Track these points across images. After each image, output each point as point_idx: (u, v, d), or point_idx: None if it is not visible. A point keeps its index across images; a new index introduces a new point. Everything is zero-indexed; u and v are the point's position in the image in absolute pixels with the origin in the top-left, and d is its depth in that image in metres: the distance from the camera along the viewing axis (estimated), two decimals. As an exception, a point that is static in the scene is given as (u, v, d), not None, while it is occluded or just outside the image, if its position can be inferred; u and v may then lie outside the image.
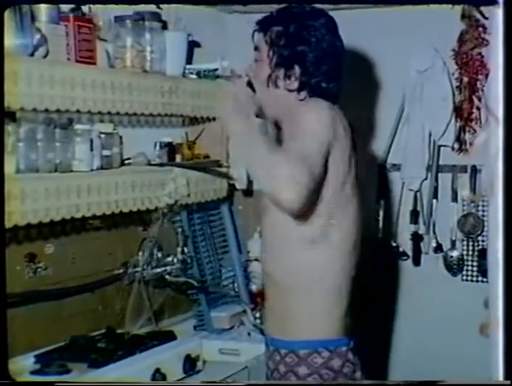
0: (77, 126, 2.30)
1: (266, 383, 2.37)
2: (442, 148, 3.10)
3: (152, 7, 2.57)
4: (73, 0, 2.27)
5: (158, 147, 2.72)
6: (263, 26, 2.03)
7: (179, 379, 2.37)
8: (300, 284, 1.95)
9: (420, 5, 2.80)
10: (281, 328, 1.98)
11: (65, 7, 2.28)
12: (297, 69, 1.97)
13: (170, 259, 2.74)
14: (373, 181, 3.16)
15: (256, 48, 2.03)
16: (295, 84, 1.98)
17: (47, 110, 2.11)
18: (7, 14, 1.97)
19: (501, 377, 1.58)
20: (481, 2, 2.61)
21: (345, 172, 1.94)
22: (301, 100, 1.99)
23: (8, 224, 1.92)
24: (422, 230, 3.15)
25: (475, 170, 3.04)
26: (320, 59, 1.97)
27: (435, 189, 3.12)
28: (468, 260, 3.11)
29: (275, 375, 1.98)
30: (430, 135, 3.07)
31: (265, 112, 2.03)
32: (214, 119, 2.87)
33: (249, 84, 2.04)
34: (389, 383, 2.12)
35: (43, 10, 2.17)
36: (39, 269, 2.36)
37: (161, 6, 2.62)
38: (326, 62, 1.97)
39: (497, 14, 1.61)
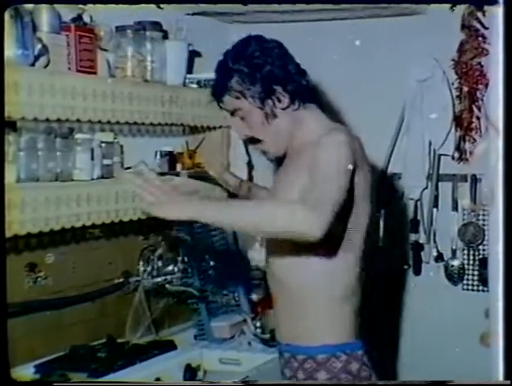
0: (78, 136, 2.30)
1: (266, 383, 2.36)
2: (442, 157, 3.10)
3: (153, 17, 2.58)
4: (73, 0, 2.28)
5: (158, 156, 2.72)
6: (221, 90, 2.04)
7: (179, 389, 2.37)
8: (315, 288, 1.95)
9: (420, 4, 2.82)
10: (296, 334, 1.98)
11: (66, 17, 2.29)
12: (278, 87, 1.98)
13: (170, 268, 2.74)
14: (373, 190, 3.16)
15: (233, 112, 2.03)
16: (286, 100, 1.99)
17: (47, 120, 2.12)
18: (9, 24, 1.98)
19: (501, 377, 1.58)
20: (481, 2, 2.62)
21: (364, 192, 1.97)
22: (296, 109, 2.00)
23: (8, 234, 1.92)
24: (422, 239, 3.15)
25: (475, 180, 3.04)
26: (283, 66, 1.98)
27: (436, 198, 3.12)
28: (468, 270, 3.10)
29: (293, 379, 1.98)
30: (430, 144, 3.07)
31: (272, 154, 2.06)
32: (215, 128, 2.88)
33: (252, 140, 2.05)
34: (395, 384, 2.12)
35: (44, 19, 2.18)
36: (39, 279, 2.36)
37: (161, 8, 2.63)
38: (288, 64, 1.99)
39: (497, 16, 1.61)
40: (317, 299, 1.96)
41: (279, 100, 1.98)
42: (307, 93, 2.02)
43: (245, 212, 1.81)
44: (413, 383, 2.13)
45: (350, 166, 1.87)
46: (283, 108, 1.99)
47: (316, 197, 1.79)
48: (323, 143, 1.88)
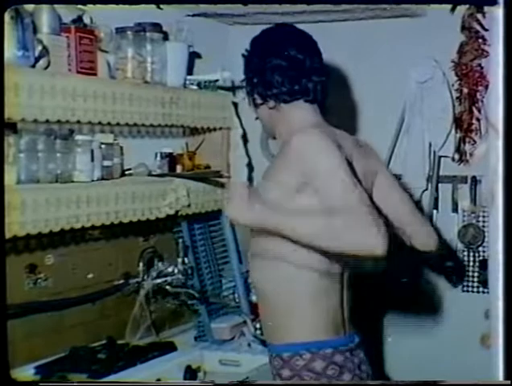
0: (78, 137, 2.30)
1: (265, 383, 2.37)
2: (442, 158, 3.10)
3: (153, 18, 2.58)
4: (73, 0, 2.28)
5: (158, 158, 2.72)
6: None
7: (179, 391, 2.37)
8: (278, 289, 1.99)
9: (420, 4, 2.82)
10: (268, 333, 2.06)
11: (66, 18, 2.29)
12: (255, 86, 2.08)
13: (170, 269, 2.74)
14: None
15: None
16: (259, 98, 2.09)
17: (48, 121, 2.12)
18: (9, 25, 1.98)
19: (501, 377, 1.58)
20: (481, 2, 2.62)
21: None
22: (272, 108, 2.06)
23: (8, 235, 1.92)
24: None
25: (475, 181, 3.04)
26: (269, 69, 2.04)
27: (436, 199, 3.12)
28: (468, 271, 3.10)
29: (271, 376, 2.06)
30: (430, 146, 3.07)
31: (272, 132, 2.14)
32: (215, 129, 2.88)
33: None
34: (389, 384, 2.12)
35: (44, 21, 2.18)
36: (39, 280, 2.36)
37: (161, 9, 2.63)
38: (276, 69, 2.04)
39: (497, 17, 1.61)
40: (281, 300, 2.00)
41: (255, 97, 2.10)
42: (287, 95, 2.05)
43: (310, 225, 1.83)
44: (405, 383, 2.13)
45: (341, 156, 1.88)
46: (260, 104, 2.09)
47: (365, 211, 1.78)
48: (301, 150, 1.89)
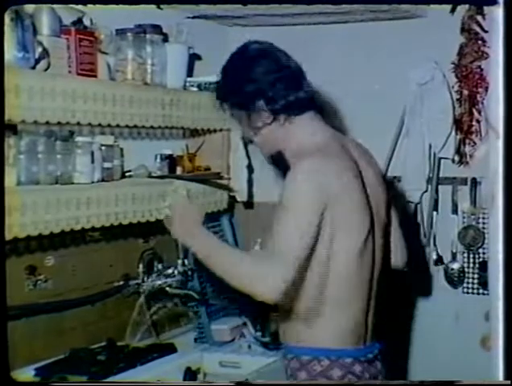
0: (78, 138, 2.30)
1: (265, 383, 2.37)
2: (442, 160, 3.10)
3: (153, 19, 2.58)
4: (73, 0, 2.28)
5: (158, 159, 2.72)
6: (219, 96, 2.13)
7: (179, 392, 2.37)
8: (305, 294, 1.96)
9: (420, 5, 2.82)
10: (289, 334, 2.03)
11: (67, 20, 2.30)
12: (260, 104, 2.00)
13: (170, 271, 2.74)
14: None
15: (231, 115, 2.12)
16: (269, 116, 2.01)
17: (48, 123, 2.12)
18: (9, 27, 1.98)
19: (501, 377, 1.58)
20: (481, 2, 2.62)
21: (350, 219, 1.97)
22: (282, 124, 2.01)
23: (8, 236, 1.92)
24: (422, 242, 3.15)
25: (475, 183, 3.04)
26: (269, 83, 1.99)
27: (436, 201, 3.12)
28: (468, 273, 3.10)
29: (285, 376, 2.05)
30: (430, 147, 3.07)
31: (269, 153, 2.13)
32: (215, 131, 2.88)
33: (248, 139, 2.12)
34: (397, 384, 2.12)
35: (44, 23, 2.18)
36: (39, 282, 2.36)
37: (161, 9, 2.63)
38: (275, 81, 1.99)
39: (497, 18, 1.62)
40: (306, 303, 1.97)
41: (261, 116, 2.02)
42: (297, 107, 2.01)
43: (226, 262, 1.90)
44: (421, 383, 2.13)
45: (316, 204, 1.88)
46: (267, 123, 2.02)
47: (278, 250, 1.84)
48: (289, 175, 1.92)
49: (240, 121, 2.08)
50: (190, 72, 2.82)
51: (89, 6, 2.31)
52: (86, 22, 2.36)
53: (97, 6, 2.23)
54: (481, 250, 3.06)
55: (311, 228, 1.87)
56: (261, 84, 1.99)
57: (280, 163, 2.13)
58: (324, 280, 1.95)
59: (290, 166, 2.01)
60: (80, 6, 2.32)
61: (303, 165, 1.92)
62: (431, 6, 2.84)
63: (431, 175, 3.10)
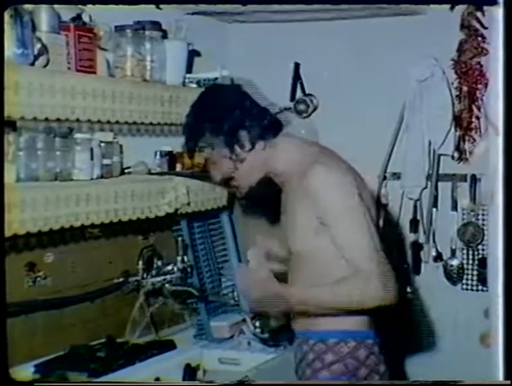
0: (77, 135, 2.30)
1: (265, 383, 2.38)
2: (442, 157, 3.10)
3: (152, 16, 2.58)
4: (73, 1, 2.27)
5: (158, 156, 2.72)
6: (190, 142, 2.16)
7: (178, 389, 2.37)
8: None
9: (420, 5, 2.82)
10: (312, 320, 2.09)
11: (66, 17, 2.29)
12: (240, 134, 2.10)
13: (170, 268, 2.74)
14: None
15: (206, 160, 2.20)
16: (249, 144, 2.11)
17: (47, 119, 2.12)
18: (8, 23, 1.98)
19: (501, 377, 1.58)
20: (481, 2, 2.62)
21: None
22: (263, 148, 2.12)
23: (8, 233, 1.92)
24: (422, 239, 3.15)
25: (475, 179, 3.04)
26: (241, 112, 2.10)
27: (435, 198, 3.12)
28: (468, 269, 3.10)
29: (303, 363, 2.13)
30: (430, 144, 3.07)
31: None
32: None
33: (225, 181, 2.18)
34: (398, 384, 2.15)
35: (43, 19, 2.17)
36: (38, 278, 2.36)
37: (160, 9, 2.62)
38: (246, 109, 2.11)
39: (497, 16, 1.61)
40: None
41: (243, 146, 2.11)
42: (273, 130, 2.13)
43: (323, 298, 2.02)
44: (425, 383, 2.15)
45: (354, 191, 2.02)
46: (249, 151, 2.12)
47: (363, 257, 1.96)
48: (313, 186, 2.01)
49: (218, 159, 2.14)
50: (189, 69, 2.82)
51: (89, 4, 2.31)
52: (85, 18, 2.36)
53: (97, 1, 2.23)
54: (480, 247, 3.06)
55: (367, 215, 2.01)
56: (236, 117, 2.10)
57: (262, 191, 2.19)
58: None
59: (283, 187, 2.14)
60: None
61: (314, 169, 2.03)
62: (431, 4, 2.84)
63: (430, 172, 3.10)
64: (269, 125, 2.13)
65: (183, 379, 2.40)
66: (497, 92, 1.59)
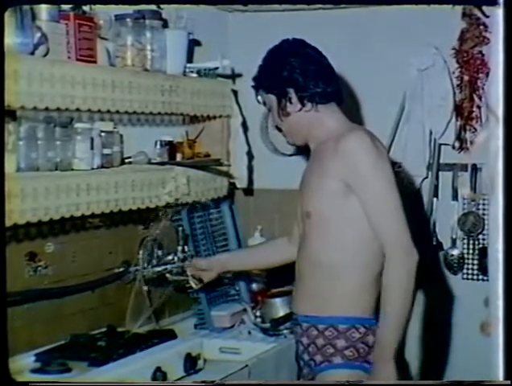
0: (77, 125, 2.29)
1: (266, 383, 2.39)
2: (442, 146, 3.10)
3: (153, 6, 2.57)
4: (73, 0, 2.27)
5: (158, 146, 2.72)
6: (256, 83, 2.26)
7: (179, 378, 2.36)
8: (345, 262, 2.13)
9: (421, 4, 2.81)
10: (320, 306, 2.16)
11: (66, 6, 2.28)
12: (290, 91, 2.17)
13: (170, 257, 2.74)
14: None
15: (264, 103, 2.27)
16: (297, 103, 2.18)
17: (47, 109, 2.11)
18: (8, 13, 1.97)
19: (501, 377, 1.59)
20: (481, 2, 2.61)
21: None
22: (308, 111, 2.18)
23: (8, 223, 1.92)
24: (422, 228, 3.15)
25: (475, 169, 3.04)
26: (302, 72, 2.16)
27: (436, 187, 3.12)
28: (468, 259, 3.11)
29: (311, 349, 2.17)
30: (430, 133, 3.07)
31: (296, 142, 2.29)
32: (214, 117, 2.87)
33: (277, 128, 2.28)
34: (398, 384, 2.15)
35: (43, 8, 2.16)
36: (39, 268, 2.36)
37: (161, 9, 2.62)
38: (308, 70, 2.16)
39: (498, 13, 1.61)
40: (345, 273, 2.14)
41: (291, 102, 2.18)
42: (323, 97, 2.18)
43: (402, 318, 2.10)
44: (407, 383, 2.18)
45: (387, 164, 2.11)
46: (295, 110, 2.18)
47: (397, 231, 2.08)
48: (351, 148, 2.09)
49: (271, 108, 2.23)
50: (190, 58, 2.81)
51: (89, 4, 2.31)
52: (85, 7, 2.35)
53: (97, 1, 2.25)
54: (480, 236, 3.07)
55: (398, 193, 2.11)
56: (292, 73, 2.16)
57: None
58: None
59: (314, 150, 2.21)
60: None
61: (355, 133, 2.13)
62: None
63: (431, 161, 3.10)
64: (322, 93, 2.17)
65: (184, 369, 2.40)
66: (498, 81, 1.58)
